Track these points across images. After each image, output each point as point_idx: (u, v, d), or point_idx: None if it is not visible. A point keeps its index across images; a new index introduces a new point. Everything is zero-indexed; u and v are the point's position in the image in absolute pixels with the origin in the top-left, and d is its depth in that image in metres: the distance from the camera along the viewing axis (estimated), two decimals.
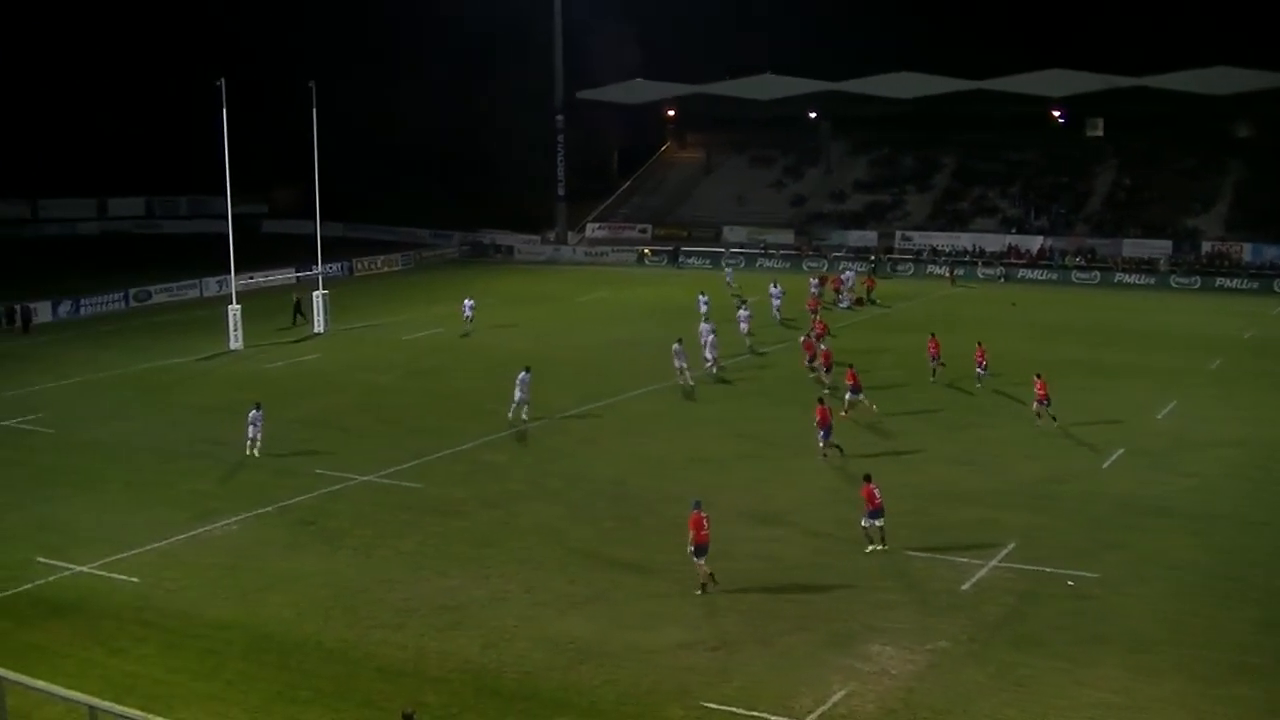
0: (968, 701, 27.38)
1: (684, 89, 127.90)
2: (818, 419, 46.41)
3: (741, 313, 70.44)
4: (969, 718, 26.83)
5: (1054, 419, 50.18)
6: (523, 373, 52.55)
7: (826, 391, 54.30)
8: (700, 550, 33.54)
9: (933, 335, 60.57)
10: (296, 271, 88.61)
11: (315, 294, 77.92)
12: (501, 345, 71.88)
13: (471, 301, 77.09)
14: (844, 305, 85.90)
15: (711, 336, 62.48)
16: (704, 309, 74.98)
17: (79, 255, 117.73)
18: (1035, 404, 50.55)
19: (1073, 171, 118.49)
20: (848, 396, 52.68)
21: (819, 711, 27.06)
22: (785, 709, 27.09)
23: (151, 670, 29.43)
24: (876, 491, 36.65)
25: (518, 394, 52.15)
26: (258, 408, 47.92)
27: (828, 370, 58.41)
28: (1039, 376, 50.91)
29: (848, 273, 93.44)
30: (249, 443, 47.46)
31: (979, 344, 58.97)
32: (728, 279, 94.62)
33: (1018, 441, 48.98)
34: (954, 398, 56.86)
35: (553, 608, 32.92)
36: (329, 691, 28.19)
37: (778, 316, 77.59)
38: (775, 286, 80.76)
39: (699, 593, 33.51)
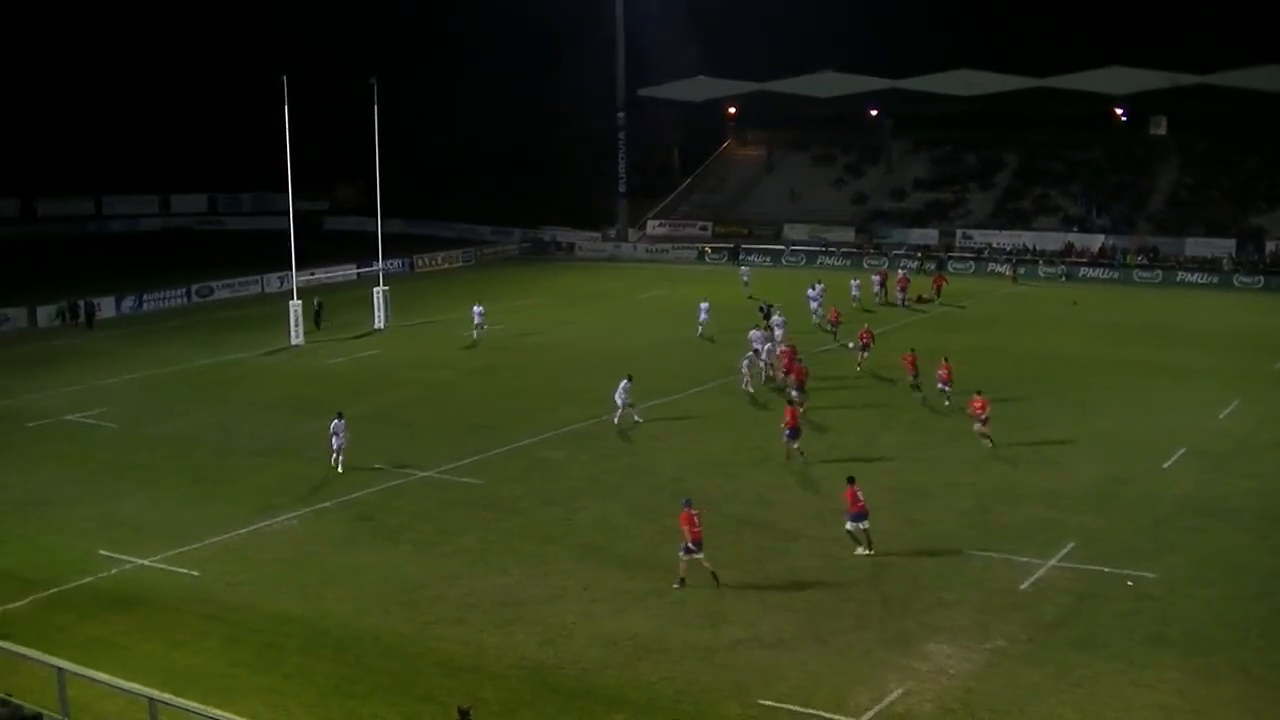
0: (1025, 702, 27.29)
1: (745, 86, 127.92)
2: (786, 420, 46.06)
3: (776, 319, 68.04)
4: (1026, 718, 26.75)
5: (990, 440, 47.44)
6: (625, 380, 51.65)
7: (794, 394, 52.92)
8: (696, 546, 33.65)
9: (911, 351, 58.10)
10: (357, 268, 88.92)
11: (376, 290, 78.20)
12: (561, 343, 72.15)
13: (481, 308, 73.11)
14: (902, 304, 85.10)
15: (769, 344, 61.95)
16: (704, 317, 72.28)
17: (142, 251, 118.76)
18: (976, 423, 47.68)
19: (1135, 170, 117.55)
20: (793, 394, 52.36)
21: (875, 710, 27.03)
22: (841, 707, 27.08)
23: (212, 663, 29.75)
24: (859, 494, 36.34)
25: (621, 400, 51.44)
26: (340, 417, 46.36)
27: (788, 373, 56.45)
28: (979, 393, 48.26)
29: (901, 270, 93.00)
30: (333, 454, 45.87)
31: (944, 360, 55.30)
32: (744, 279, 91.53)
33: (1078, 441, 48.62)
34: (1013, 398, 56.29)
35: (611, 604, 33.02)
36: (387, 686, 28.40)
37: (816, 320, 75.01)
38: (813, 289, 77.65)
39: (676, 586, 33.73)
